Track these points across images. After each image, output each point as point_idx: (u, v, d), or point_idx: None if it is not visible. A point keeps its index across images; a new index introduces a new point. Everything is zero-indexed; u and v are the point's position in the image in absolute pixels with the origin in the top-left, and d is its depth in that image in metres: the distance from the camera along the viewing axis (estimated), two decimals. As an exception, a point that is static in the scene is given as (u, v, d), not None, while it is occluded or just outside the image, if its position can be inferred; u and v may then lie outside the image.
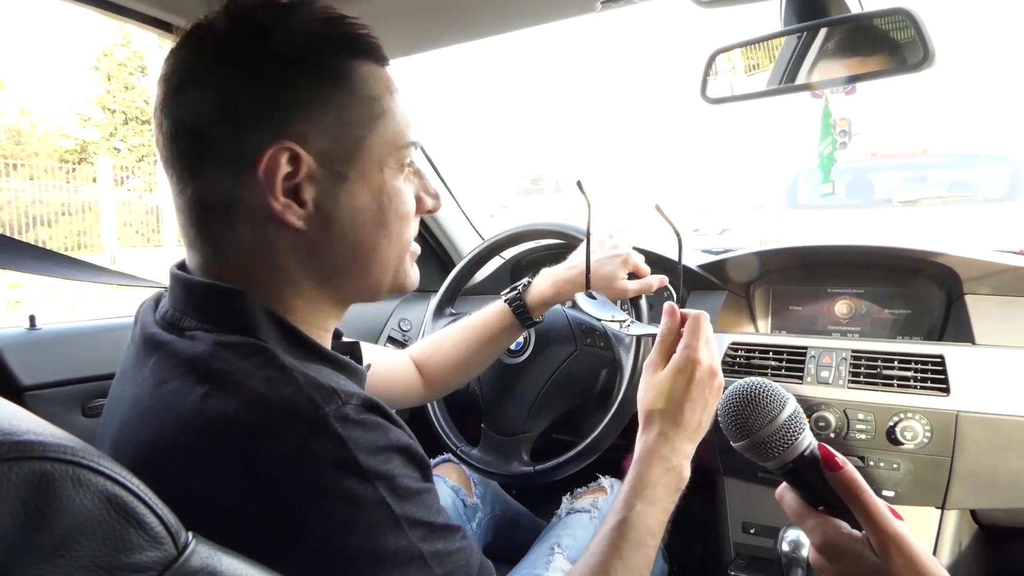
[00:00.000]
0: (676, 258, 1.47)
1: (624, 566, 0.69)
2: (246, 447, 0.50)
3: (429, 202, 0.69)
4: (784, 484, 0.64)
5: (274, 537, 0.49)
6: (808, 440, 0.61)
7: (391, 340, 1.69)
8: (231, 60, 0.56)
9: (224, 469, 0.50)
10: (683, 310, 0.83)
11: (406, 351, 1.16)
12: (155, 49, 12.18)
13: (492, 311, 1.13)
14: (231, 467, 0.50)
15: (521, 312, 1.11)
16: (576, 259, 1.10)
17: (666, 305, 0.84)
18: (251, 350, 0.54)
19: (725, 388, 0.67)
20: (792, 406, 0.62)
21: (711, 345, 0.81)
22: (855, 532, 0.58)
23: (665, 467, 0.76)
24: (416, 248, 0.70)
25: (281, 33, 0.57)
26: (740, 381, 0.64)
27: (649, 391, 0.80)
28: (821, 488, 0.59)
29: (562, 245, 1.36)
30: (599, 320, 1.01)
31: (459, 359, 1.13)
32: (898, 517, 0.57)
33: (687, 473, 0.78)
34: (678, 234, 0.95)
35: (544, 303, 1.12)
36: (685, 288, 1.49)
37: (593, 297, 1.03)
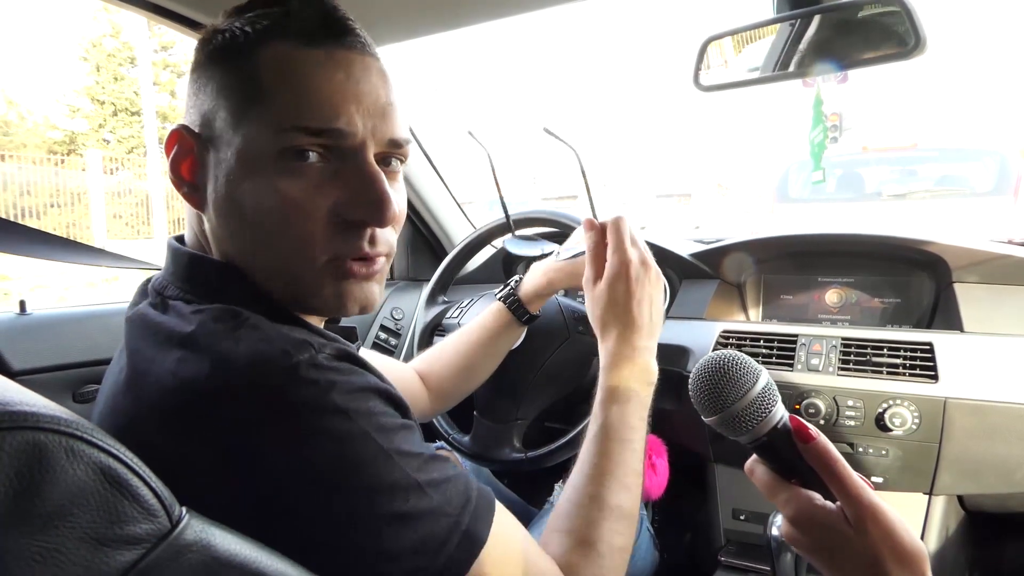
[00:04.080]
0: (671, 248, 1.49)
1: (613, 464, 0.73)
2: (223, 403, 0.50)
3: (360, 210, 0.57)
4: (754, 458, 0.63)
5: (265, 487, 0.49)
6: (780, 412, 0.60)
7: (383, 328, 1.68)
8: (194, 61, 0.61)
9: (205, 428, 0.50)
10: (603, 220, 0.87)
11: (410, 364, 1.15)
12: (144, 40, 12.09)
13: (489, 311, 1.13)
14: (211, 425, 0.50)
15: (517, 307, 1.11)
16: (566, 249, 1.10)
17: (584, 220, 0.88)
18: (225, 315, 0.55)
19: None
20: (765, 378, 0.60)
21: (637, 242, 0.86)
22: (828, 504, 0.57)
23: (631, 365, 0.80)
24: (348, 265, 0.59)
25: (227, 30, 0.59)
26: (711, 354, 0.62)
27: (596, 304, 0.85)
28: (793, 460, 0.59)
29: (555, 233, 1.36)
30: (530, 256, 1.02)
31: (461, 364, 1.13)
32: (871, 487, 0.56)
33: (655, 367, 0.83)
34: (574, 150, 0.96)
35: (538, 295, 1.12)
36: (675, 273, 1.50)
37: (521, 239, 1.06)
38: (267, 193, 0.55)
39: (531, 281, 1.13)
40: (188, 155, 0.60)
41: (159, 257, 0.68)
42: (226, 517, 0.44)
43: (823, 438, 0.57)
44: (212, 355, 0.51)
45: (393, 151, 0.61)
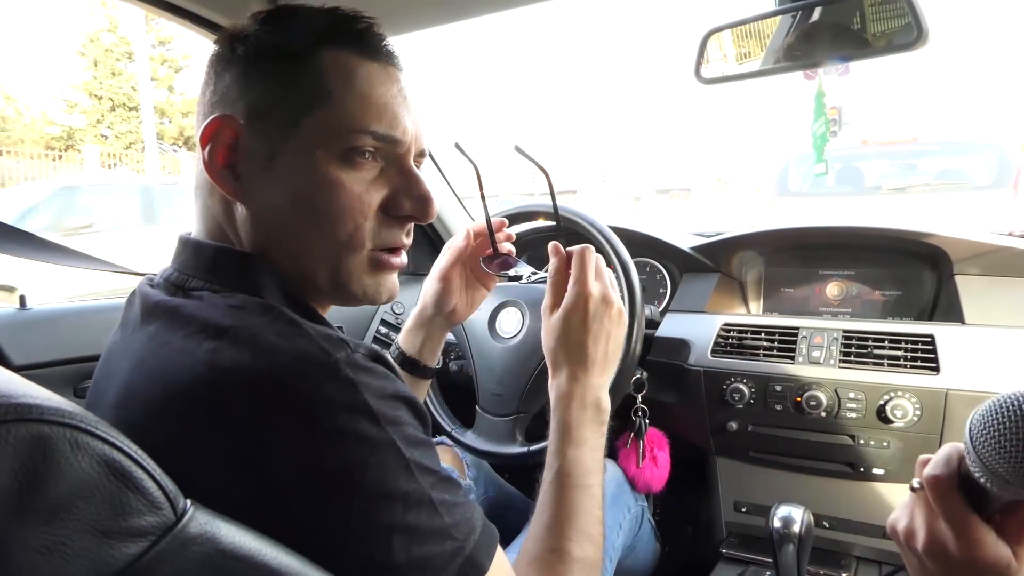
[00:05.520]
0: (672, 241, 1.49)
1: (573, 512, 0.70)
2: (260, 392, 0.50)
3: (408, 206, 0.64)
4: (951, 480, 0.54)
5: (287, 481, 0.50)
6: None
7: (384, 323, 1.68)
8: (230, 54, 0.62)
9: (238, 415, 0.50)
10: (569, 248, 0.84)
11: None
12: (142, 35, 12.05)
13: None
14: (245, 413, 0.50)
15: (412, 366, 1.02)
16: (424, 288, 1.03)
17: (550, 245, 0.85)
18: (262, 309, 0.56)
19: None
20: None
21: (603, 275, 0.83)
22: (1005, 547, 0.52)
23: (581, 405, 0.78)
24: (385, 257, 0.65)
25: (273, 29, 0.61)
26: None
27: (550, 335, 0.82)
28: (1003, 509, 0.52)
29: (551, 228, 1.36)
30: (511, 280, 1.01)
31: None
32: None
33: (606, 403, 0.80)
34: (545, 172, 0.92)
35: (425, 347, 1.02)
36: (675, 266, 1.50)
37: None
38: (328, 185, 0.60)
39: (407, 338, 1.03)
40: (228, 144, 0.61)
41: (159, 252, 0.68)
42: (239, 508, 0.44)
43: None
44: (251, 347, 0.52)
45: (419, 160, 0.68)
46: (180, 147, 15.65)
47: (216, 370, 0.51)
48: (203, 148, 0.61)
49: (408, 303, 1.74)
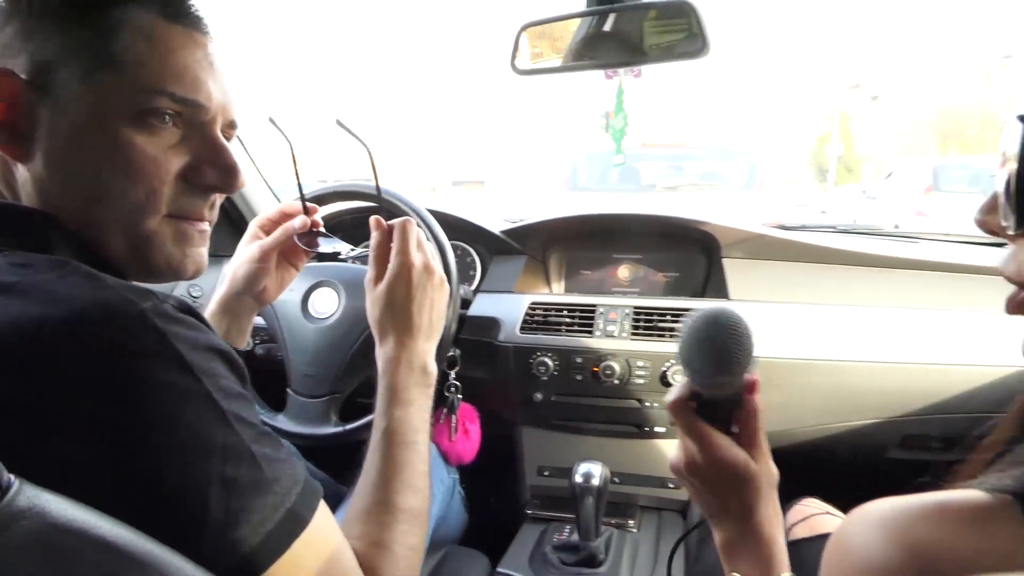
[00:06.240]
0: (483, 224, 1.55)
1: (399, 468, 0.73)
2: (55, 344, 0.46)
3: (211, 175, 0.63)
4: (683, 401, 0.67)
5: (94, 438, 0.46)
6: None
7: (180, 307, 1.57)
8: (15, 5, 0.58)
9: (30, 371, 0.46)
10: (390, 221, 0.86)
11: None
12: None
13: None
14: (38, 367, 0.46)
15: None
16: (232, 268, 1.00)
17: (372, 219, 0.87)
18: (52, 264, 0.51)
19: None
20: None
21: (423, 246, 0.86)
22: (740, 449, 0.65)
23: (408, 369, 0.80)
24: (187, 225, 0.63)
25: None
26: (737, 314, 0.64)
27: (375, 306, 0.84)
28: (729, 413, 0.66)
29: (367, 208, 1.36)
30: (327, 259, 1.01)
31: None
32: None
33: (433, 368, 0.84)
34: (367, 147, 0.94)
35: (232, 329, 0.99)
36: (484, 249, 1.57)
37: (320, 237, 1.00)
38: (120, 148, 0.57)
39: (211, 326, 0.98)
40: (5, 101, 0.56)
41: None
42: (49, 469, 0.42)
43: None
44: (42, 300, 0.47)
45: (229, 131, 0.67)
46: None
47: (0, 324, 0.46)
48: None
49: (207, 286, 1.63)
